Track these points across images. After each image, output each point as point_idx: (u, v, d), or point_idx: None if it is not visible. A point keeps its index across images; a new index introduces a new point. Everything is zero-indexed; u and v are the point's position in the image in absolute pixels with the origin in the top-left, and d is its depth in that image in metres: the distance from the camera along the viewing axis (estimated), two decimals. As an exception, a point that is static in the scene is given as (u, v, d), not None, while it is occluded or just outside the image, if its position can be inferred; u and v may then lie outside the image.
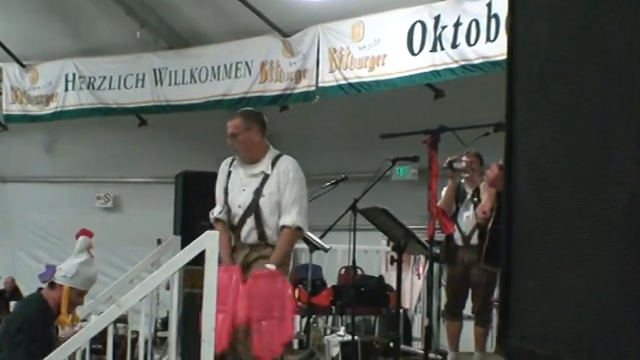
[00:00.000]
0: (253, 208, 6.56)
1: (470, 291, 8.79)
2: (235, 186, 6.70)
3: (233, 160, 6.78)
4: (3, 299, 16.89)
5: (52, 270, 7.04)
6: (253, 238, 6.60)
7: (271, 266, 6.39)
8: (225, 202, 6.71)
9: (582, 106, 3.52)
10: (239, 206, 6.62)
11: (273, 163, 6.61)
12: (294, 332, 6.32)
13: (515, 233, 4.21)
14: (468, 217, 8.69)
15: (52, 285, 7.02)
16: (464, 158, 8.47)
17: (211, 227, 6.60)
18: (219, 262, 6.12)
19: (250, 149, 6.63)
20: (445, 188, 8.60)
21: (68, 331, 7.83)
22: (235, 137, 6.64)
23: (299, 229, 6.55)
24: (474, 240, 8.57)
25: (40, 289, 7.24)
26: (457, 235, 8.64)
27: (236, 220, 6.66)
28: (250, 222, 6.58)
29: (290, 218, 6.49)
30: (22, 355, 6.71)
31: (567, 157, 3.63)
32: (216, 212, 6.79)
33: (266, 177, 6.59)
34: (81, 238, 7.03)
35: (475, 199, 8.62)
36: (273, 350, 6.39)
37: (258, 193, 6.57)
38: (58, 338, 7.28)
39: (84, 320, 8.13)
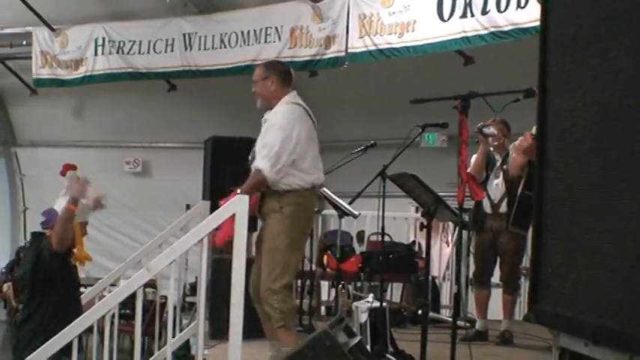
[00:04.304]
0: (253, 155, 6.73)
1: (498, 259, 8.76)
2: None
3: None
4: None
5: (54, 212, 7.08)
6: None
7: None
8: None
9: (613, 69, 3.49)
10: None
11: (276, 110, 6.75)
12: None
13: (546, 200, 4.21)
14: (497, 185, 8.65)
15: None
16: (491, 128, 8.44)
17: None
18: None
19: (266, 97, 6.83)
20: (475, 155, 8.55)
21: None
22: (255, 84, 6.90)
23: (259, 171, 6.57)
24: (503, 208, 8.55)
25: (42, 233, 7.25)
26: (486, 203, 8.60)
27: None
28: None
29: (257, 161, 6.60)
30: (41, 299, 6.81)
31: (599, 122, 3.60)
32: None
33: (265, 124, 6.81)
34: (69, 173, 7.13)
35: (505, 166, 8.58)
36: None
37: (256, 141, 6.78)
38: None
39: (113, 285, 8.15)
